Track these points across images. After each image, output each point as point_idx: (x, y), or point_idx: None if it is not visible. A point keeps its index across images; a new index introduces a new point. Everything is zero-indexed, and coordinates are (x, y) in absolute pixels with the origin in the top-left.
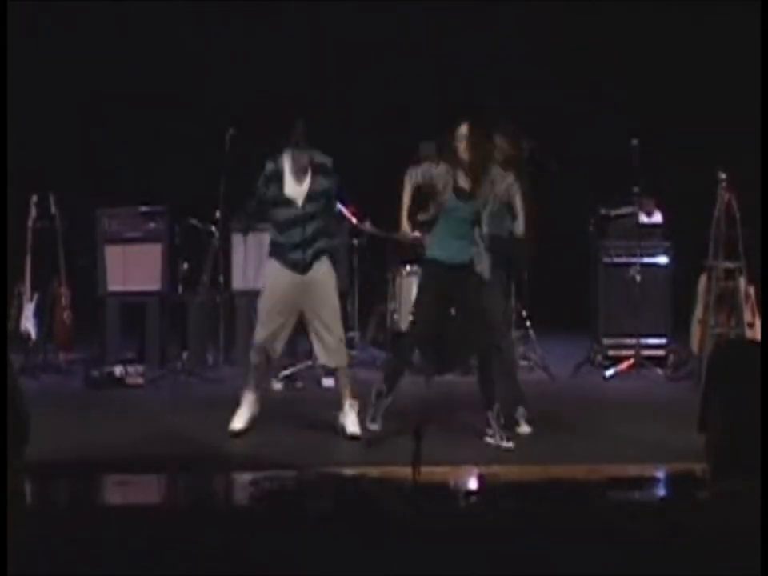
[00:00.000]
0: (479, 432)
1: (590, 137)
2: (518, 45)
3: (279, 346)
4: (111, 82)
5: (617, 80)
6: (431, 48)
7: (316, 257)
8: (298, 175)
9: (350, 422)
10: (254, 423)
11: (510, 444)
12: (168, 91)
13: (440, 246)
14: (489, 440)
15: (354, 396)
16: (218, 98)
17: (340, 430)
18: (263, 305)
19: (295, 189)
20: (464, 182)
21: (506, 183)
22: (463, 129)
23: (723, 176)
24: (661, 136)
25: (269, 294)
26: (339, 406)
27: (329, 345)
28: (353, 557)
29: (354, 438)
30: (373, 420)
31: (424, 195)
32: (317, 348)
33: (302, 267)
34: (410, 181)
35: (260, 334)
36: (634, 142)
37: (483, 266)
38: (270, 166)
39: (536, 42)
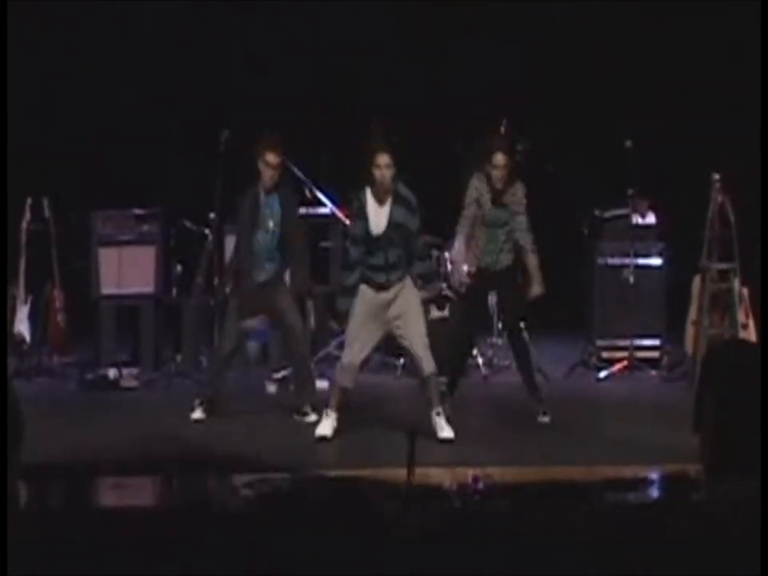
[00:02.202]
0: (474, 433)
1: (584, 138)
2: (511, 45)
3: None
4: (105, 84)
5: (611, 81)
6: (424, 49)
7: (400, 278)
8: (379, 206)
9: (439, 427)
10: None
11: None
12: (162, 93)
13: (488, 255)
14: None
15: (442, 402)
16: (213, 100)
17: (433, 433)
18: (352, 327)
19: (377, 219)
20: (499, 197)
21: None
22: (500, 159)
23: (717, 177)
24: (655, 138)
25: (356, 316)
26: (429, 409)
27: (417, 354)
28: (348, 558)
29: (447, 441)
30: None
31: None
32: (411, 360)
33: (386, 287)
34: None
35: (349, 355)
36: (628, 143)
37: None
38: (355, 205)
39: (529, 42)
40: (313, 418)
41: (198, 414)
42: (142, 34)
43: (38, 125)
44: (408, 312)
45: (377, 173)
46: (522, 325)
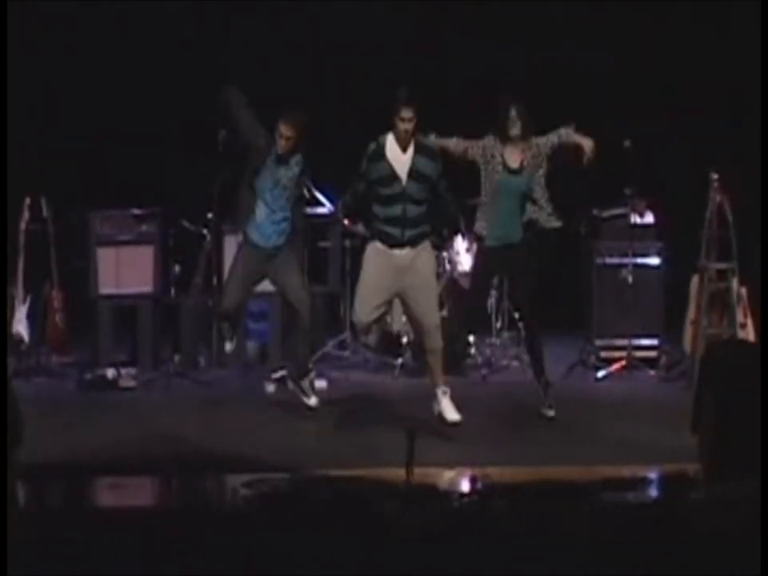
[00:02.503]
0: (473, 432)
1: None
2: (508, 44)
3: (371, 326)
4: (103, 84)
5: (609, 80)
6: (425, 45)
7: (416, 239)
8: (402, 152)
9: (446, 408)
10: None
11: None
12: (160, 93)
13: (492, 226)
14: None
15: (446, 382)
16: (210, 100)
17: (436, 417)
18: (361, 285)
19: (398, 166)
20: (512, 161)
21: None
22: (514, 112)
23: (715, 177)
24: (653, 137)
25: (366, 275)
26: (434, 384)
27: (427, 328)
28: (346, 558)
29: (454, 424)
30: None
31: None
32: (414, 329)
33: (400, 244)
34: (470, 146)
35: (359, 314)
36: (627, 143)
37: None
38: (372, 146)
39: (527, 41)
40: (313, 400)
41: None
42: (140, 33)
43: (36, 124)
44: (423, 283)
45: (400, 125)
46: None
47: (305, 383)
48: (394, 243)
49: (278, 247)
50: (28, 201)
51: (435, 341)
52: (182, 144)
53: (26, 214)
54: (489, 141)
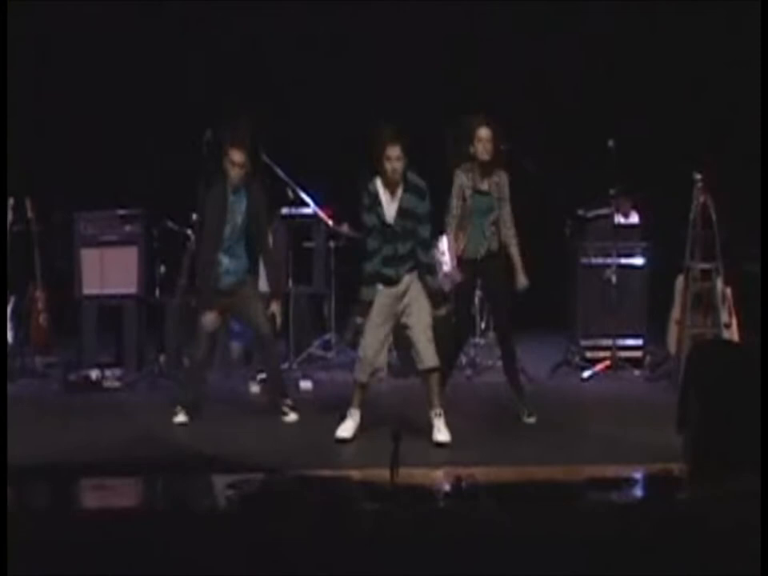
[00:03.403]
0: (458, 433)
1: (567, 138)
2: (495, 45)
3: (382, 358)
4: (88, 85)
5: (593, 80)
6: (412, 50)
7: (408, 271)
8: (391, 195)
9: (438, 429)
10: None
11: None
12: (145, 94)
13: (470, 240)
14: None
15: (441, 403)
16: (195, 101)
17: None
18: (369, 323)
19: (389, 208)
20: (481, 183)
21: (502, 182)
22: (484, 132)
23: (699, 177)
24: (637, 137)
25: (373, 311)
26: (429, 406)
27: (424, 348)
28: (331, 558)
29: (440, 445)
30: None
31: None
32: (414, 352)
33: (396, 282)
34: (460, 187)
35: (364, 350)
36: (611, 143)
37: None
38: (366, 200)
39: (514, 42)
40: (292, 417)
41: (180, 418)
42: (126, 35)
43: (20, 125)
44: (414, 303)
45: (387, 165)
46: (509, 321)
47: (285, 403)
48: (389, 281)
49: (239, 284)
50: (12, 202)
51: (429, 359)
52: (166, 144)
53: (10, 215)
54: (458, 177)
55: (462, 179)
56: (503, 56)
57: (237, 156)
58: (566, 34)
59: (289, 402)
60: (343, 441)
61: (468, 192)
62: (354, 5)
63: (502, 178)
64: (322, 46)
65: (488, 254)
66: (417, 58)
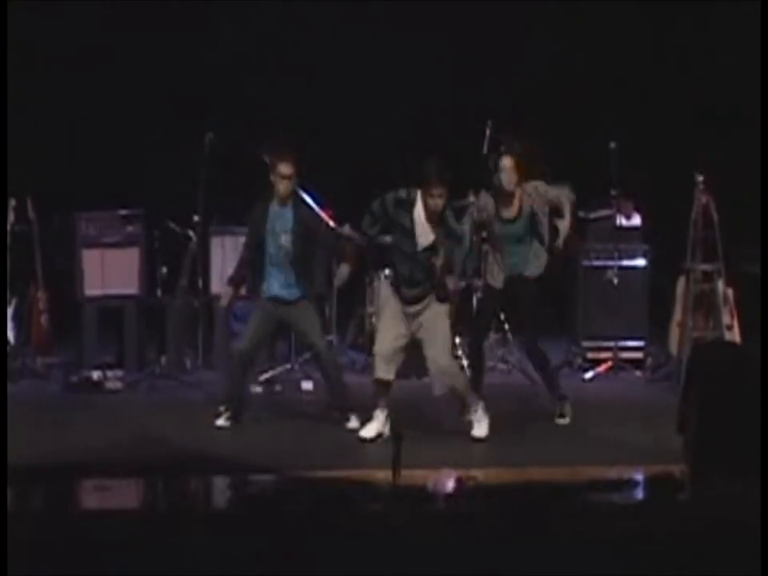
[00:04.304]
0: (459, 434)
1: (569, 140)
2: (496, 47)
3: (398, 357)
4: (89, 85)
5: (595, 82)
6: (413, 51)
7: (423, 294)
8: (429, 219)
9: (477, 424)
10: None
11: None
12: (146, 94)
13: (493, 269)
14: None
15: (470, 402)
16: (197, 102)
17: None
18: (382, 319)
19: (424, 228)
20: (507, 211)
21: (545, 193)
22: (507, 162)
23: (700, 178)
24: (639, 139)
25: (386, 311)
26: (463, 413)
27: (433, 373)
28: (333, 559)
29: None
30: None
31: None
32: (431, 373)
33: (409, 303)
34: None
35: (379, 342)
36: (612, 144)
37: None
38: (404, 193)
39: (514, 44)
40: (354, 423)
41: (221, 421)
42: (125, 35)
43: (21, 125)
44: (431, 326)
45: (430, 201)
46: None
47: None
48: (404, 300)
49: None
50: (13, 202)
51: (437, 388)
52: (167, 146)
53: (12, 215)
54: (482, 198)
55: (485, 201)
56: (504, 57)
57: (285, 168)
58: (567, 34)
59: (350, 410)
60: (365, 440)
61: (492, 220)
62: (359, 6)
63: (534, 193)
64: (323, 48)
65: (524, 276)
66: (418, 59)
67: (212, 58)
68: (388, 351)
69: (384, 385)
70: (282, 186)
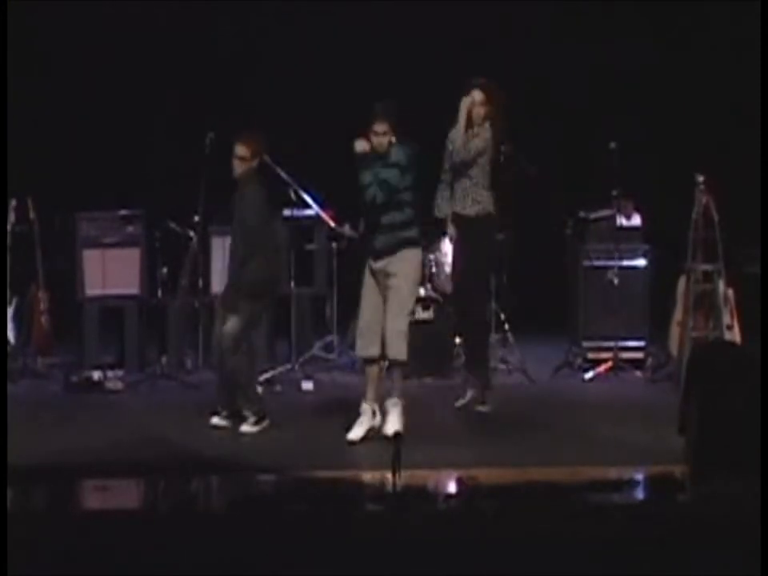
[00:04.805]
0: (458, 434)
1: (569, 140)
2: (495, 47)
3: (378, 340)
4: (89, 85)
5: (595, 82)
6: (414, 51)
7: (395, 245)
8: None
9: (390, 421)
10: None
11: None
12: (146, 94)
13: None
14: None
15: (401, 396)
16: (197, 101)
17: (377, 429)
18: (362, 293)
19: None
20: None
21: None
22: (477, 95)
23: (701, 178)
24: (639, 139)
25: (363, 282)
26: (386, 396)
27: (388, 334)
28: (333, 559)
29: (393, 436)
30: None
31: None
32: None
33: (375, 255)
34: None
35: (360, 319)
36: (613, 144)
37: None
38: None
39: (514, 44)
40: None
41: (245, 428)
42: (126, 35)
43: (21, 125)
44: (394, 285)
45: (374, 139)
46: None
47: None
48: (372, 252)
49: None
50: (14, 202)
51: (392, 352)
52: (168, 145)
53: (12, 216)
54: (453, 133)
55: (453, 133)
56: (505, 57)
57: (238, 148)
58: (568, 35)
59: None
60: (352, 443)
61: (455, 148)
62: (358, 6)
63: (484, 132)
64: (324, 47)
65: (471, 214)
66: (419, 59)
67: (212, 58)
68: (362, 325)
69: (368, 365)
70: (234, 165)
